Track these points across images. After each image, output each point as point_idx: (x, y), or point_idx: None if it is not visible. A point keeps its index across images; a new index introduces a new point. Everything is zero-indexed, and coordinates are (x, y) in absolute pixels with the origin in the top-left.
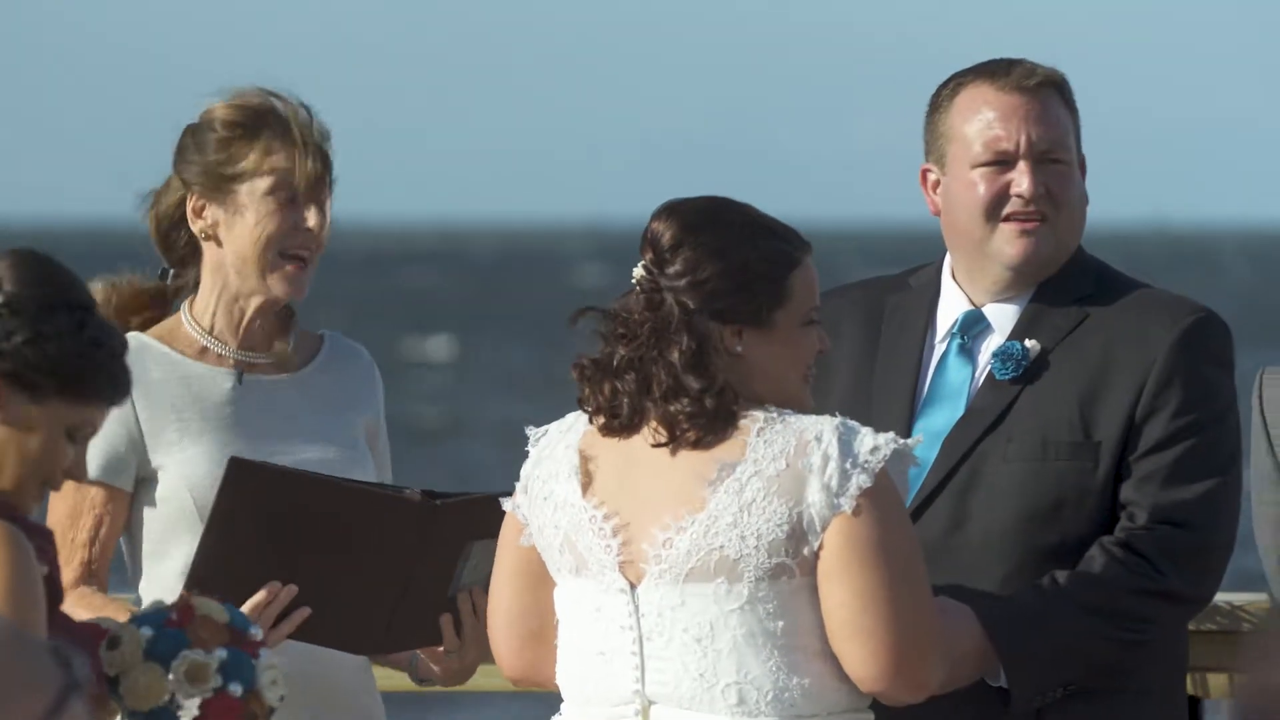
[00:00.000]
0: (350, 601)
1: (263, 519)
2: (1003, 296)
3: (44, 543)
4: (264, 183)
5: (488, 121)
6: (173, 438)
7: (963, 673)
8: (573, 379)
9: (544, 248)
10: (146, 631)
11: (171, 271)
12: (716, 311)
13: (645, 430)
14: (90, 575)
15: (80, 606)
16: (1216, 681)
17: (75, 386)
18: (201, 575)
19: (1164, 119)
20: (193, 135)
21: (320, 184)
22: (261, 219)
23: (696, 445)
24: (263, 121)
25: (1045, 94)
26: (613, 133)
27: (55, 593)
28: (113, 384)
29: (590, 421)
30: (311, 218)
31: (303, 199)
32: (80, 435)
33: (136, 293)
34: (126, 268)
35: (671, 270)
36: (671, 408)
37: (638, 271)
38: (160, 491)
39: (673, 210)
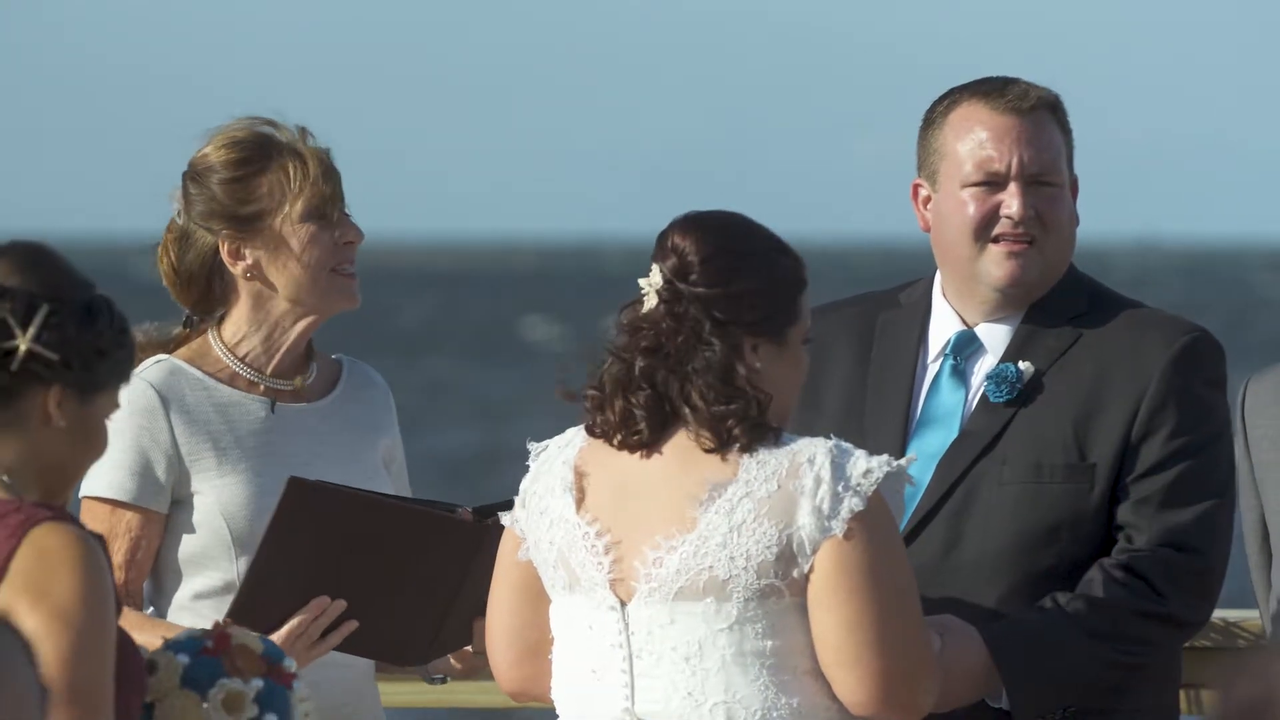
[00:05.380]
0: (399, 616)
1: (317, 536)
2: (994, 317)
3: (105, 550)
4: (296, 210)
5: (485, 136)
6: (210, 463)
7: (965, 692)
8: (584, 407)
9: (539, 266)
10: (183, 659)
11: (196, 319)
12: (747, 324)
13: (665, 445)
14: (126, 597)
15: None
16: (1211, 698)
17: (122, 370)
18: (253, 589)
19: (1157, 134)
20: (195, 182)
21: (341, 197)
22: (307, 246)
23: (743, 449)
24: (265, 151)
25: (1039, 116)
26: (607, 150)
27: (118, 605)
28: (133, 356)
29: (611, 441)
30: (350, 231)
31: (334, 215)
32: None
33: (161, 350)
34: (143, 322)
35: (698, 279)
36: (715, 410)
37: (654, 280)
38: (196, 517)
39: (698, 222)
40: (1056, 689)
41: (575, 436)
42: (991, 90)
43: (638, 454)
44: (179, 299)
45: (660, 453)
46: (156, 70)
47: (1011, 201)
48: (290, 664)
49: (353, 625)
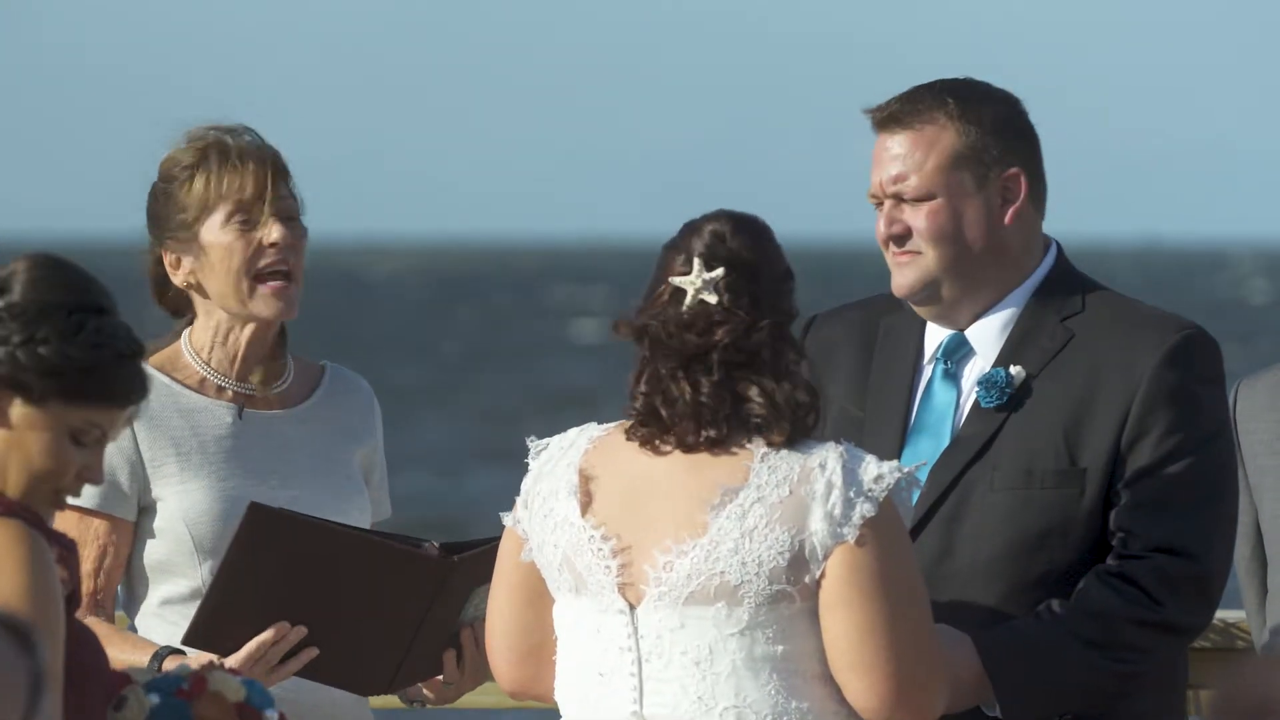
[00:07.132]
0: (362, 646)
1: (277, 563)
2: (943, 322)
3: (66, 552)
4: (218, 215)
5: (482, 136)
6: (172, 470)
7: (958, 701)
8: (633, 407)
9: (540, 266)
10: (153, 699)
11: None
12: (787, 316)
13: (669, 445)
14: (97, 606)
15: None
16: (1209, 699)
17: (73, 388)
18: (212, 611)
19: (1158, 138)
20: (152, 195)
21: (266, 197)
22: (225, 250)
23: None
24: (195, 160)
25: (912, 124)
26: (607, 150)
27: (73, 602)
28: (113, 385)
29: (664, 437)
30: (274, 232)
31: (259, 218)
32: (87, 438)
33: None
34: (154, 332)
35: (758, 272)
36: (793, 400)
37: (709, 275)
38: (157, 523)
39: (737, 221)
40: (1050, 698)
41: (579, 438)
42: (881, 105)
43: (654, 456)
44: (156, 303)
45: (671, 455)
46: (137, 70)
47: (880, 223)
48: (273, 714)
49: (313, 652)
